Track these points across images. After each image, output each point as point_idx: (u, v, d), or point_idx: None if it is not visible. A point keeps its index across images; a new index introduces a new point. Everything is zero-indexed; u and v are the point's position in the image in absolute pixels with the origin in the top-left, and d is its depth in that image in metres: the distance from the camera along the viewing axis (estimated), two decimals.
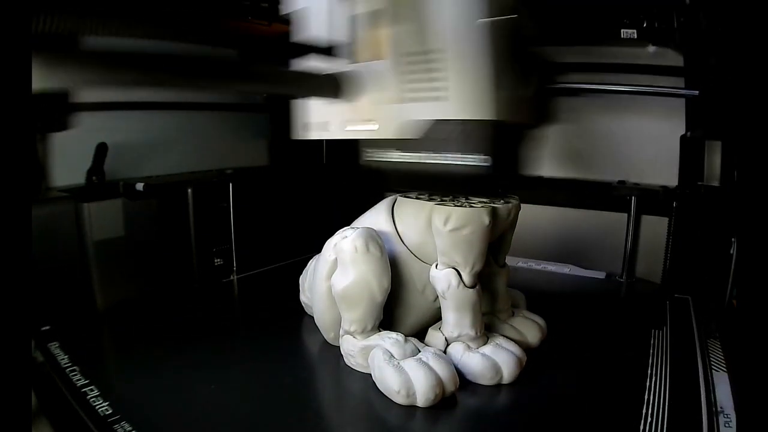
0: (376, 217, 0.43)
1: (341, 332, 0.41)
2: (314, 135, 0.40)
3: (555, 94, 0.71)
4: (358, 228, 0.39)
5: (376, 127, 0.37)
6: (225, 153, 0.75)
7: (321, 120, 0.39)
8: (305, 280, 0.50)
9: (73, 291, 0.51)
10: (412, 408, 0.35)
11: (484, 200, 0.40)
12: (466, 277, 0.38)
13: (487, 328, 0.41)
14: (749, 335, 0.46)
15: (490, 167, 0.33)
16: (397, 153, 0.36)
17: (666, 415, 0.35)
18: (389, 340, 0.38)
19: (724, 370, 0.41)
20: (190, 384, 0.38)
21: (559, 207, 0.73)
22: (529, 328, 0.44)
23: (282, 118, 0.77)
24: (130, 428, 0.32)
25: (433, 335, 0.41)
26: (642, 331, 0.48)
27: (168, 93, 0.68)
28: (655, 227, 0.65)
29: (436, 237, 0.38)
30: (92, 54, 0.23)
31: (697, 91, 0.62)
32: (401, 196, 0.42)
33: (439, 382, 0.35)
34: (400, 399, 0.35)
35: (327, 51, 0.36)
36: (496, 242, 0.42)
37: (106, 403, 0.35)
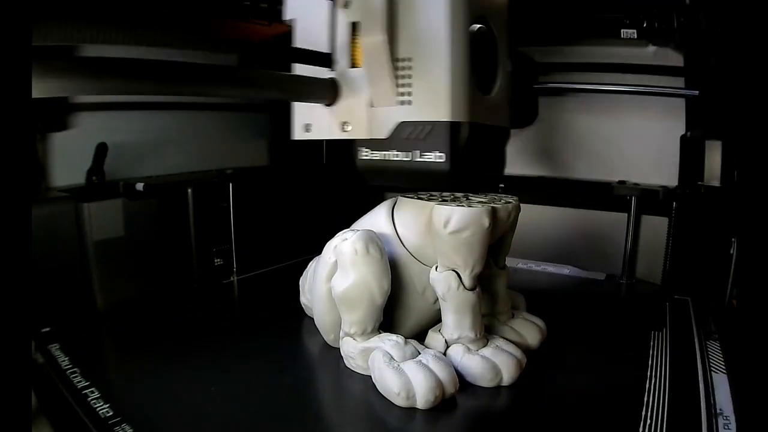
0: (375, 219, 0.43)
1: (341, 334, 0.41)
2: (298, 136, 0.44)
3: (552, 94, 0.71)
4: (358, 230, 0.39)
5: (350, 128, 0.40)
6: (225, 153, 0.75)
7: (304, 122, 0.43)
8: (305, 282, 0.50)
9: (73, 291, 0.51)
10: (412, 410, 0.35)
11: (484, 200, 0.40)
12: (466, 280, 0.38)
13: (487, 330, 0.41)
14: (749, 337, 0.46)
15: (448, 163, 0.37)
16: (392, 152, 0.39)
17: (665, 417, 0.35)
18: (389, 342, 0.38)
19: (724, 371, 0.41)
20: (190, 385, 0.38)
21: (558, 207, 0.73)
22: (529, 330, 0.44)
23: (282, 118, 0.77)
24: (130, 430, 0.32)
25: (433, 337, 0.41)
26: (642, 333, 0.48)
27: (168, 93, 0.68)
28: (655, 227, 0.65)
29: (435, 239, 0.38)
30: (85, 62, 0.24)
31: (697, 91, 0.62)
32: (402, 195, 0.42)
33: (439, 384, 0.35)
34: (400, 401, 0.35)
35: (318, 58, 0.40)
36: (496, 244, 0.42)
37: (107, 405, 0.35)
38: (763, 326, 0.44)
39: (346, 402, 0.39)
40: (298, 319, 0.50)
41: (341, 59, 0.40)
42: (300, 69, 0.41)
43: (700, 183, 0.62)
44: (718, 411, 0.36)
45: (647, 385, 0.39)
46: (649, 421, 0.34)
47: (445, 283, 0.38)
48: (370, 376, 0.38)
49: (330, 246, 0.40)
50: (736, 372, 0.41)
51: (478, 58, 0.38)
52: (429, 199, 0.40)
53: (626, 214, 0.67)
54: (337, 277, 0.39)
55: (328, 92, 0.39)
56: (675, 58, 0.65)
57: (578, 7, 0.63)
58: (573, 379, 0.41)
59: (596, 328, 0.51)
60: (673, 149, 0.65)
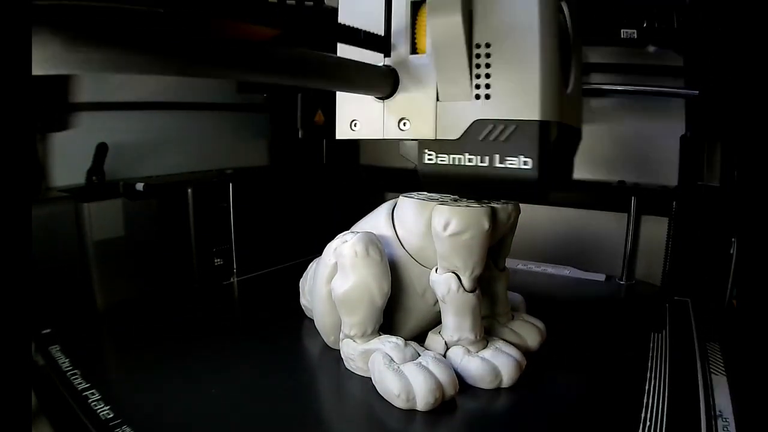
0: (376, 221, 0.43)
1: (341, 336, 0.41)
2: (341, 135, 0.38)
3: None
4: (358, 232, 0.39)
5: (409, 126, 0.34)
6: (225, 153, 0.75)
7: (350, 118, 0.37)
8: (305, 284, 0.50)
9: (73, 291, 0.51)
10: (412, 412, 0.35)
11: (484, 200, 0.40)
12: (466, 282, 0.38)
13: (486, 331, 0.41)
14: (749, 338, 0.46)
15: (536, 171, 0.31)
16: (465, 156, 0.33)
17: (665, 419, 0.35)
18: (389, 344, 0.38)
19: (723, 373, 0.41)
20: (191, 387, 0.38)
21: (558, 207, 0.73)
22: (529, 332, 0.44)
23: (282, 118, 0.77)
24: None
25: (433, 339, 0.41)
26: (641, 334, 0.48)
27: (168, 93, 0.68)
28: (655, 228, 0.65)
29: (435, 241, 0.38)
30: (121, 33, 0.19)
31: (697, 91, 0.62)
32: (404, 195, 0.42)
33: (439, 386, 0.35)
34: (400, 403, 0.35)
35: (372, 40, 0.33)
36: (496, 246, 0.42)
37: (108, 407, 0.35)
38: (763, 328, 0.44)
39: (347, 404, 0.39)
40: (298, 320, 0.50)
41: (400, 44, 0.34)
42: (345, 55, 0.34)
43: (700, 183, 0.62)
44: (717, 413, 0.36)
45: (647, 387, 0.39)
46: (648, 422, 0.35)
47: (445, 285, 0.38)
48: (370, 378, 0.38)
49: (330, 248, 0.40)
50: (735, 374, 0.41)
51: (561, 48, 0.32)
52: (429, 200, 0.40)
53: (626, 214, 0.67)
54: (337, 279, 0.39)
55: (383, 82, 0.33)
56: (675, 58, 0.65)
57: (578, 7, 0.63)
58: (572, 380, 0.41)
59: (596, 329, 0.51)
60: (673, 149, 0.65)
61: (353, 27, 0.32)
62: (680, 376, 0.41)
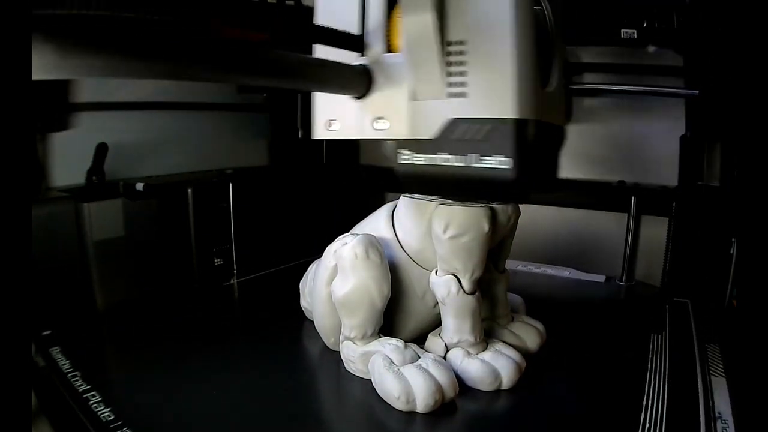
0: (376, 224, 0.43)
1: (341, 338, 0.41)
2: (319, 135, 0.37)
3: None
4: (358, 234, 0.39)
5: (387, 126, 0.33)
6: (225, 153, 0.75)
7: (327, 118, 0.36)
8: (305, 285, 0.50)
9: (73, 291, 0.51)
10: (412, 414, 0.35)
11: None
12: (466, 284, 0.38)
13: (486, 333, 0.41)
14: (748, 340, 0.46)
15: (514, 170, 0.30)
16: (442, 155, 0.32)
17: (664, 421, 0.35)
18: (389, 346, 0.38)
19: (723, 375, 0.41)
20: (191, 389, 0.38)
21: (558, 207, 0.73)
22: (529, 334, 0.44)
23: (282, 118, 0.77)
24: None
25: (433, 341, 0.41)
26: (641, 336, 0.48)
27: (168, 93, 0.68)
28: (655, 228, 0.65)
29: (435, 244, 0.38)
30: (105, 39, 0.19)
31: (697, 91, 0.62)
32: (405, 195, 0.42)
33: (439, 388, 0.35)
34: (399, 405, 0.35)
35: (346, 39, 0.33)
36: (496, 248, 0.43)
37: (108, 409, 0.35)
38: (763, 329, 0.44)
39: (347, 406, 0.39)
40: (299, 322, 0.50)
41: (375, 42, 0.33)
42: (321, 54, 0.34)
43: (700, 183, 0.62)
44: (716, 415, 0.36)
45: (646, 389, 0.39)
46: (648, 424, 0.35)
47: (445, 287, 0.38)
48: (370, 380, 0.38)
49: (330, 250, 0.40)
50: (735, 376, 0.41)
51: (539, 44, 0.31)
52: (431, 199, 0.40)
53: (626, 214, 0.67)
54: (337, 281, 0.39)
55: (358, 81, 0.33)
56: (675, 58, 0.65)
57: (578, 7, 0.63)
58: (572, 382, 0.41)
59: (596, 331, 0.51)
60: (673, 149, 0.65)
61: (328, 27, 0.32)
62: (680, 378, 0.41)
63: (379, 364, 0.37)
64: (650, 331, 0.49)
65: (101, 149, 0.57)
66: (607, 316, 0.56)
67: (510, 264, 0.46)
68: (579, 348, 0.47)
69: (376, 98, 0.33)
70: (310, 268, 0.49)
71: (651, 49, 0.64)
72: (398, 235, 0.41)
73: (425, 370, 0.36)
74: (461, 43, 0.30)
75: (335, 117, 0.36)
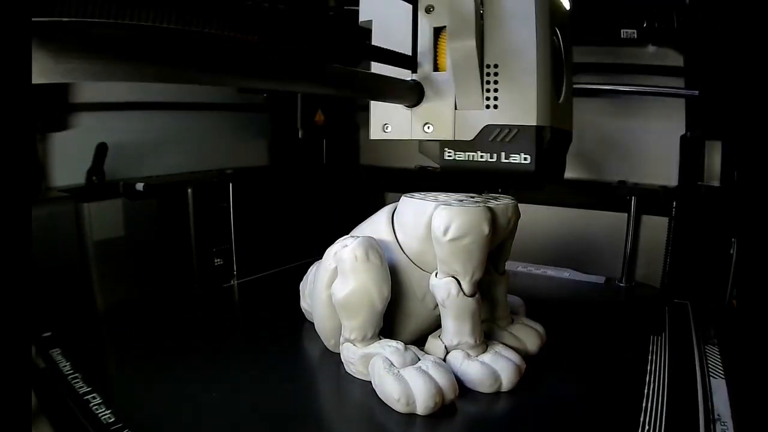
0: (376, 226, 0.43)
1: (341, 340, 0.41)
2: (375, 135, 0.44)
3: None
4: (358, 237, 0.39)
5: (432, 129, 0.41)
6: (225, 153, 0.75)
7: (383, 122, 0.44)
8: (305, 287, 0.50)
9: (73, 291, 0.51)
10: (412, 416, 0.35)
11: (480, 201, 0.40)
12: (466, 286, 0.38)
13: (486, 335, 0.41)
14: (748, 341, 0.46)
15: (533, 165, 0.38)
16: (477, 153, 0.40)
17: (663, 423, 0.35)
18: (389, 348, 0.38)
19: (722, 377, 0.41)
20: (191, 391, 0.38)
21: (558, 207, 0.73)
22: (529, 336, 0.44)
23: (282, 118, 0.77)
24: None
25: (433, 343, 0.41)
26: (641, 337, 0.48)
27: (168, 93, 0.68)
28: (655, 228, 0.65)
29: (435, 246, 0.38)
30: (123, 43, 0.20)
31: (697, 91, 0.62)
32: (406, 195, 0.42)
33: (439, 390, 0.35)
34: (399, 407, 0.35)
35: (401, 59, 0.40)
36: (496, 250, 0.43)
37: (109, 411, 0.35)
38: (762, 330, 0.44)
39: (347, 407, 0.39)
40: (299, 323, 0.50)
41: (425, 62, 0.41)
42: (375, 69, 0.41)
43: (700, 183, 0.62)
44: (716, 416, 0.36)
45: (646, 391, 0.39)
46: (647, 426, 0.35)
47: (445, 289, 0.38)
48: (371, 382, 0.38)
49: (330, 252, 0.40)
50: (734, 377, 0.41)
51: (554, 66, 0.39)
52: (432, 200, 0.40)
53: (626, 214, 0.67)
54: (338, 283, 0.39)
55: (412, 94, 0.40)
56: (675, 58, 0.65)
57: (578, 7, 0.63)
58: (572, 384, 0.41)
59: (595, 332, 0.51)
60: (673, 149, 0.65)
61: (387, 49, 0.39)
62: (679, 380, 0.41)
63: (379, 366, 0.37)
64: (650, 333, 0.49)
65: (101, 149, 0.57)
66: (606, 318, 0.56)
67: (510, 265, 0.46)
68: (579, 350, 0.47)
69: (426, 107, 0.41)
70: (310, 269, 0.49)
71: (651, 49, 0.64)
72: (398, 238, 0.41)
73: (425, 373, 0.36)
74: (496, 66, 0.38)
75: (389, 122, 0.43)
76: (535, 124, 0.38)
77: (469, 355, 0.39)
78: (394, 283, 0.40)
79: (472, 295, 0.38)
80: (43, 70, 0.19)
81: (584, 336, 0.50)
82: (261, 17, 0.29)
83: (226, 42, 0.24)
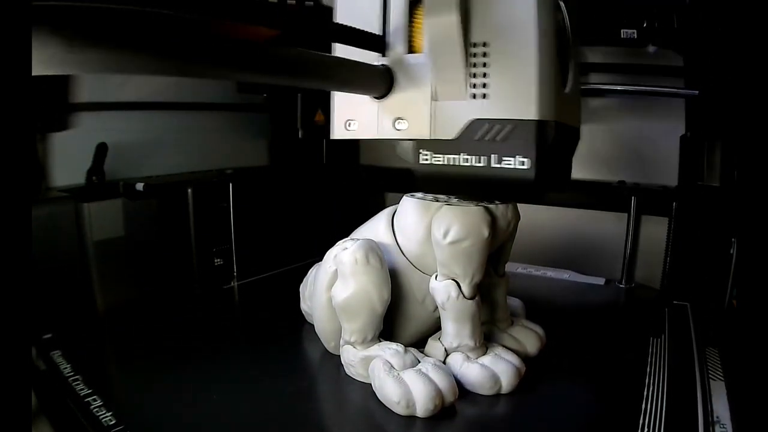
0: (376, 228, 0.43)
1: (341, 342, 0.41)
2: (337, 134, 0.37)
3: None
4: (358, 239, 0.39)
5: (407, 126, 0.34)
6: (225, 153, 0.75)
7: (345, 118, 0.36)
8: (305, 289, 0.50)
9: (73, 292, 0.51)
10: (411, 418, 0.35)
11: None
12: (466, 289, 0.38)
13: (486, 337, 0.41)
14: (748, 343, 0.46)
15: (533, 171, 0.31)
16: (462, 156, 0.32)
17: (662, 425, 0.35)
18: (389, 350, 0.38)
19: (722, 379, 0.41)
20: (192, 393, 0.38)
21: (558, 207, 0.73)
22: (528, 338, 0.44)
23: (282, 118, 0.77)
24: None
25: (433, 345, 0.41)
26: (640, 339, 0.48)
27: (168, 93, 0.68)
28: (655, 229, 0.65)
29: (435, 249, 0.38)
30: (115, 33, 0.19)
31: (697, 91, 0.62)
32: (407, 195, 0.42)
33: (439, 392, 0.35)
34: (399, 410, 0.35)
35: (367, 40, 0.33)
36: (496, 252, 0.42)
37: (110, 414, 0.35)
38: (762, 332, 0.44)
39: (347, 410, 0.39)
40: (299, 325, 0.50)
41: (396, 43, 0.33)
42: (341, 53, 0.34)
43: (700, 183, 0.62)
44: (715, 419, 0.36)
45: (645, 393, 0.39)
46: (646, 428, 0.35)
47: (445, 292, 0.38)
48: (371, 384, 0.38)
49: (330, 255, 0.40)
50: (733, 380, 0.41)
51: (558, 47, 0.32)
52: (433, 200, 0.40)
53: (626, 215, 0.66)
54: (338, 286, 0.39)
55: (379, 81, 0.33)
56: (675, 58, 0.65)
57: (578, 7, 0.63)
58: (571, 386, 0.41)
59: (595, 334, 0.51)
60: (673, 149, 0.65)
61: (349, 26, 0.32)
62: (679, 382, 0.41)
63: (379, 369, 0.37)
64: (650, 335, 0.49)
65: (101, 149, 0.57)
66: (606, 320, 0.56)
67: (510, 266, 0.46)
68: (578, 352, 0.47)
69: (397, 99, 0.33)
70: (310, 271, 0.49)
71: (651, 49, 0.64)
72: (398, 240, 0.41)
73: (425, 375, 0.36)
74: (484, 44, 0.31)
75: (354, 117, 0.36)
76: (535, 118, 0.30)
77: (468, 358, 0.39)
78: (394, 286, 0.40)
79: (471, 298, 0.38)
80: (50, 61, 0.18)
81: (584, 338, 0.50)
82: None
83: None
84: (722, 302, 0.56)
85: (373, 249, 0.39)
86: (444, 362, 0.39)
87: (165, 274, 0.59)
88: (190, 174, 0.67)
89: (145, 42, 0.20)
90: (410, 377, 0.36)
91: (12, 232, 0.20)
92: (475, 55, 0.31)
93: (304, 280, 0.50)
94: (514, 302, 0.49)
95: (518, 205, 0.41)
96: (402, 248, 0.41)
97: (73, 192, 0.53)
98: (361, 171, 0.86)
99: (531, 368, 0.40)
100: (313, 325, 0.46)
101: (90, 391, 0.38)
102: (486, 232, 0.37)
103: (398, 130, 0.34)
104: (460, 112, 0.32)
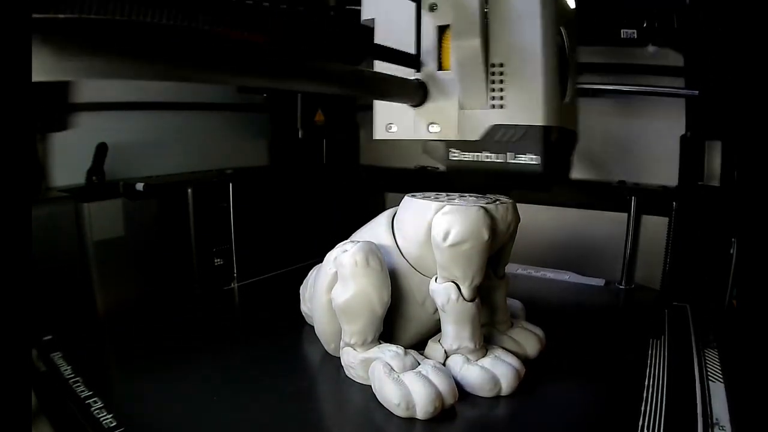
0: (375, 231, 0.43)
1: (341, 344, 0.41)
2: (379, 135, 0.44)
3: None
4: (358, 242, 0.39)
5: (438, 129, 0.40)
6: (225, 153, 0.75)
7: (386, 122, 0.43)
8: (305, 291, 0.50)
9: (73, 292, 0.51)
10: (411, 420, 0.35)
11: (479, 201, 0.40)
12: (466, 291, 0.38)
13: (486, 339, 0.42)
14: (747, 345, 0.46)
15: (541, 165, 0.37)
16: (484, 154, 0.39)
17: (662, 427, 0.35)
18: (389, 352, 0.39)
19: (721, 380, 0.41)
20: (192, 395, 0.39)
21: (558, 207, 0.73)
22: (528, 340, 0.44)
23: (282, 118, 0.77)
24: None
25: (433, 348, 0.41)
26: (640, 341, 0.48)
27: (168, 93, 0.68)
28: (655, 229, 0.65)
29: (435, 251, 0.38)
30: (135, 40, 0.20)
31: (697, 91, 0.62)
32: (409, 195, 0.42)
33: (439, 395, 0.36)
34: (399, 412, 0.35)
35: (405, 58, 0.40)
36: (495, 255, 0.43)
37: (110, 416, 0.35)
38: (762, 333, 0.44)
39: (347, 412, 0.39)
40: (299, 326, 0.50)
41: (429, 61, 0.40)
42: (378, 68, 0.41)
43: (700, 183, 0.62)
44: (714, 421, 0.36)
45: (645, 395, 0.39)
46: (646, 430, 0.35)
47: (445, 294, 0.38)
48: (371, 386, 0.38)
49: (330, 257, 0.41)
50: (733, 381, 0.41)
51: (560, 65, 0.39)
52: (434, 200, 0.40)
53: (626, 215, 0.66)
54: (338, 288, 0.39)
55: (416, 93, 0.40)
56: (675, 58, 0.65)
57: (578, 8, 0.63)
58: (571, 388, 0.41)
59: (595, 336, 0.51)
60: (673, 149, 0.65)
61: (390, 47, 0.39)
62: (678, 384, 0.41)
63: (379, 371, 0.37)
64: (649, 336, 0.49)
65: (101, 149, 0.57)
66: (606, 321, 0.56)
67: (510, 268, 0.46)
68: (578, 354, 0.47)
69: (430, 107, 0.41)
70: (310, 273, 0.49)
71: (651, 49, 0.64)
72: (398, 242, 0.41)
73: (425, 377, 0.36)
74: (501, 65, 0.38)
75: (393, 121, 0.43)
76: (542, 124, 0.37)
77: (468, 360, 0.39)
78: (394, 288, 0.40)
79: (471, 300, 0.38)
80: (47, 68, 0.18)
81: (584, 340, 0.50)
82: (263, 16, 0.29)
83: (231, 41, 0.24)
84: (722, 303, 0.56)
85: (373, 251, 0.39)
86: (444, 364, 0.39)
87: (165, 275, 0.59)
88: (190, 174, 0.67)
89: (147, 50, 0.21)
90: (410, 379, 0.36)
91: (12, 232, 0.20)
92: (494, 73, 0.38)
93: (304, 281, 0.50)
94: (514, 304, 0.49)
95: (518, 205, 0.41)
96: (402, 250, 0.41)
97: (73, 192, 0.53)
98: (361, 171, 0.87)
99: (531, 370, 0.40)
100: (313, 327, 0.46)
101: (91, 393, 0.38)
102: (486, 235, 0.37)
103: (431, 132, 0.41)
104: (482, 119, 0.39)
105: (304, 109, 0.73)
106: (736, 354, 0.46)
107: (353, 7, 0.44)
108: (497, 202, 0.40)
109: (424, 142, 0.42)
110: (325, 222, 0.78)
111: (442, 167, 0.42)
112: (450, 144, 0.41)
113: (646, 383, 0.41)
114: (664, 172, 0.67)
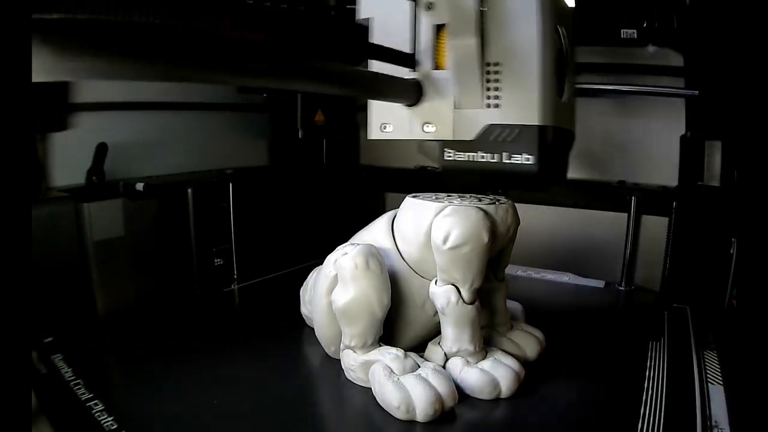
0: (375, 233, 0.43)
1: (341, 347, 0.41)
2: (374, 135, 0.43)
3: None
4: (358, 244, 0.39)
5: (433, 129, 0.40)
6: (225, 153, 0.75)
7: (381, 122, 0.43)
8: (306, 293, 0.50)
9: (73, 292, 0.51)
10: (411, 423, 0.35)
11: (483, 201, 0.40)
12: (465, 294, 0.38)
13: (485, 342, 0.42)
14: (747, 346, 0.46)
15: (536, 165, 0.37)
16: (479, 154, 0.39)
17: (661, 429, 0.35)
18: (389, 355, 0.39)
19: (720, 383, 0.41)
20: (193, 397, 0.39)
21: (557, 207, 0.73)
22: (528, 342, 0.44)
23: (282, 118, 0.77)
24: None
25: (433, 350, 0.41)
26: (640, 342, 0.48)
27: (168, 93, 0.68)
28: (655, 229, 0.65)
29: (435, 254, 0.38)
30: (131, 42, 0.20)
31: (697, 91, 0.62)
32: (410, 196, 0.42)
33: (438, 397, 0.36)
34: (399, 414, 0.35)
35: (400, 57, 0.39)
36: (495, 257, 0.43)
37: (111, 418, 0.35)
38: (761, 335, 0.44)
39: (347, 414, 0.39)
40: (299, 329, 0.50)
41: (424, 60, 0.40)
42: (374, 67, 0.40)
43: (700, 183, 0.62)
44: (713, 423, 0.36)
45: (644, 397, 0.39)
46: None
47: (445, 297, 0.38)
48: (371, 389, 0.38)
49: (330, 260, 0.41)
50: (732, 383, 0.41)
51: (557, 64, 0.39)
52: (435, 200, 0.40)
53: (626, 215, 0.66)
54: (338, 291, 0.39)
55: (412, 93, 0.39)
56: (675, 58, 0.65)
57: (578, 7, 0.63)
58: (570, 390, 0.41)
59: (595, 338, 0.51)
60: (673, 149, 0.65)
61: (386, 46, 0.39)
62: (677, 386, 0.41)
63: (379, 374, 0.37)
64: (649, 338, 0.49)
65: (101, 149, 0.57)
66: (606, 323, 0.56)
67: (509, 269, 0.46)
68: (578, 356, 0.47)
69: (426, 106, 0.40)
70: (310, 275, 0.49)
71: (651, 49, 0.64)
72: (398, 245, 0.41)
73: (425, 380, 0.36)
74: (497, 64, 0.37)
75: (389, 121, 0.42)
76: (537, 124, 0.37)
77: (468, 362, 0.39)
78: (394, 291, 0.40)
79: (471, 303, 0.38)
80: (47, 69, 0.18)
81: (583, 342, 0.50)
82: (263, 16, 0.29)
83: (228, 41, 0.24)
84: (722, 304, 0.56)
85: (373, 254, 0.39)
86: (444, 367, 0.39)
87: (165, 275, 0.59)
88: (190, 174, 0.67)
89: (148, 51, 0.21)
90: (410, 382, 0.36)
91: (12, 232, 0.20)
92: (489, 72, 0.38)
93: (304, 283, 0.50)
94: (514, 306, 0.49)
95: (517, 206, 0.41)
96: (402, 253, 0.41)
97: (73, 192, 0.53)
98: (361, 171, 0.87)
99: (530, 372, 0.40)
100: (313, 329, 0.46)
101: (91, 395, 0.38)
102: (486, 238, 0.37)
103: (427, 132, 0.40)
104: (477, 118, 0.39)
105: (304, 109, 0.73)
106: (736, 357, 0.46)
107: (353, 7, 0.44)
108: (497, 203, 0.40)
109: (420, 142, 0.42)
110: (325, 222, 0.78)
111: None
112: (445, 144, 0.40)
113: (646, 385, 0.41)
114: (664, 172, 0.67)
